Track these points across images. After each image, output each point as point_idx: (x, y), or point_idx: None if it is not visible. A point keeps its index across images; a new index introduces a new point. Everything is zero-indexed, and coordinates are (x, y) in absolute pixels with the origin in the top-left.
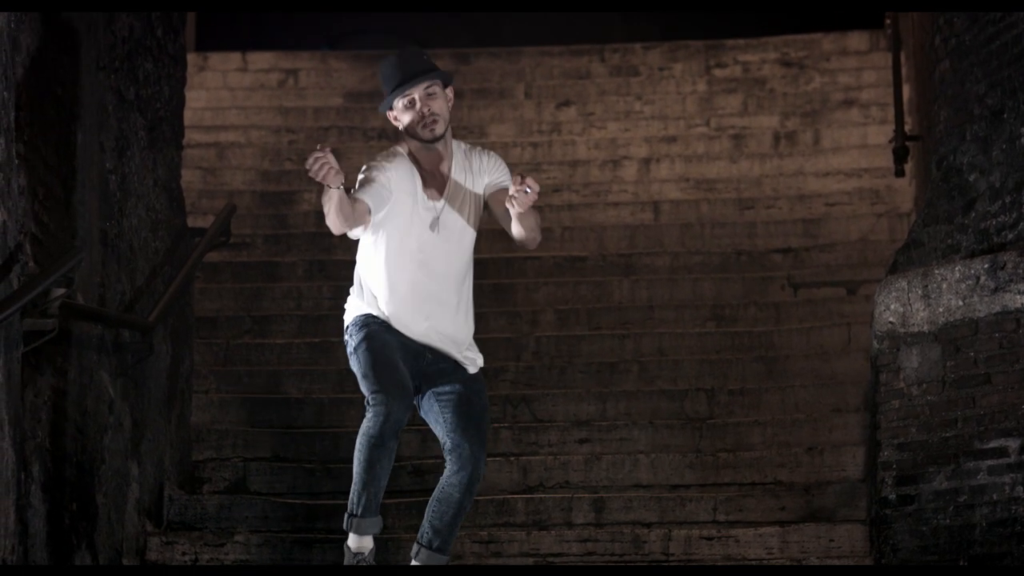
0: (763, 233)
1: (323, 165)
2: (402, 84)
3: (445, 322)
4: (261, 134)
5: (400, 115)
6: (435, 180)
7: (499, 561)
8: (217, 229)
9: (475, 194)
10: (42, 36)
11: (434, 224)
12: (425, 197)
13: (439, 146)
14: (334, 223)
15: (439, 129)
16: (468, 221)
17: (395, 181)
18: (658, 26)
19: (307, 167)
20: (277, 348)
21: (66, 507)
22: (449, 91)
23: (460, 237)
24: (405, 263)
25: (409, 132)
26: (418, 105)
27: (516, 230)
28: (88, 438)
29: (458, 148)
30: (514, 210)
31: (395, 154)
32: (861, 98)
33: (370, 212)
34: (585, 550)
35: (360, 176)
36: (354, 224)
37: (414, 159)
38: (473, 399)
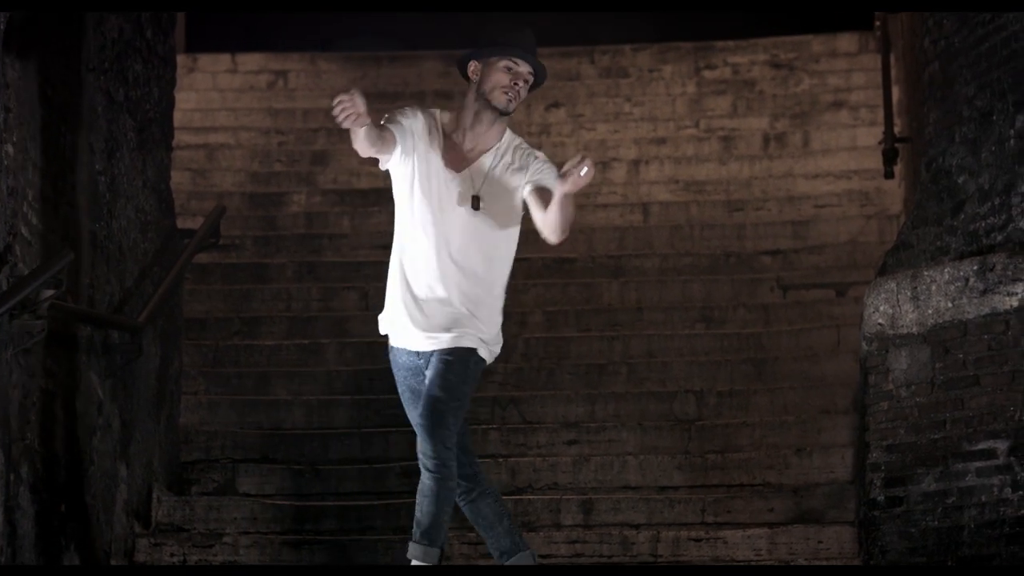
0: (752, 235)
1: (344, 110)
2: (523, 50)
3: (437, 314)
4: (250, 136)
5: (492, 71)
6: (460, 154)
7: (487, 562)
8: (206, 230)
9: (504, 187)
10: (31, 38)
11: (444, 197)
12: (442, 164)
13: (490, 124)
14: (360, 148)
15: (513, 108)
16: (489, 209)
17: (418, 128)
18: (648, 28)
19: (333, 112)
20: (266, 350)
21: (55, 508)
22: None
23: (472, 221)
24: (415, 233)
25: (484, 91)
26: (516, 76)
27: (550, 218)
28: (77, 439)
29: (510, 140)
30: (562, 188)
31: (424, 108)
32: (850, 100)
33: (395, 143)
34: (573, 551)
35: (386, 115)
36: (380, 150)
37: (449, 126)
38: (433, 376)
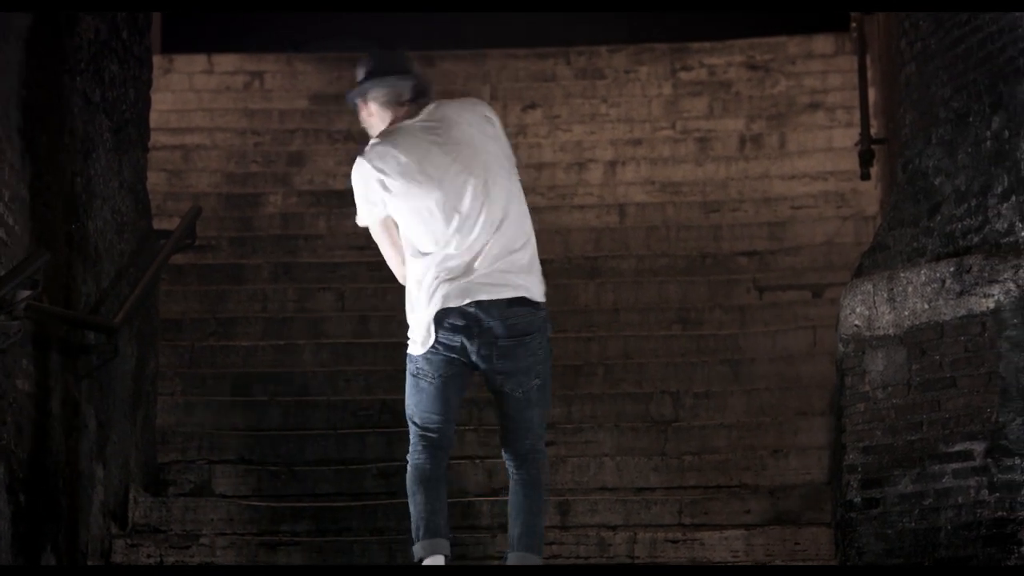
0: (728, 236)
1: None
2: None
3: None
4: (227, 136)
5: None
6: None
7: (464, 564)
8: (182, 231)
9: None
10: (6, 39)
11: None
12: None
13: None
14: None
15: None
16: None
17: None
18: (624, 29)
19: None
20: (242, 350)
21: (31, 510)
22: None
23: None
24: None
25: None
26: None
27: None
28: (53, 440)
29: None
30: None
31: None
32: (827, 101)
33: None
34: (550, 552)
35: None
36: None
37: None
38: None
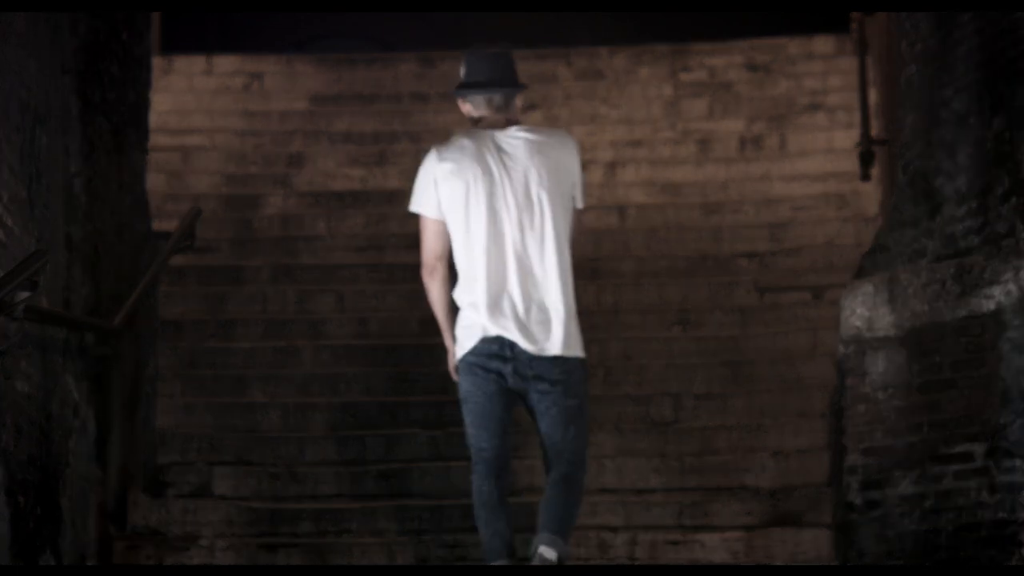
0: (729, 237)
1: None
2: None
3: None
4: (226, 137)
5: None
6: None
7: (466, 564)
8: (182, 233)
9: None
10: (6, 39)
11: None
12: None
13: None
14: None
15: None
16: None
17: None
18: (624, 30)
19: None
20: (242, 352)
21: (30, 511)
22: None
23: None
24: None
25: None
26: None
27: None
28: (52, 442)
29: None
30: None
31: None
32: (827, 102)
33: None
34: None
35: None
36: None
37: None
38: None
